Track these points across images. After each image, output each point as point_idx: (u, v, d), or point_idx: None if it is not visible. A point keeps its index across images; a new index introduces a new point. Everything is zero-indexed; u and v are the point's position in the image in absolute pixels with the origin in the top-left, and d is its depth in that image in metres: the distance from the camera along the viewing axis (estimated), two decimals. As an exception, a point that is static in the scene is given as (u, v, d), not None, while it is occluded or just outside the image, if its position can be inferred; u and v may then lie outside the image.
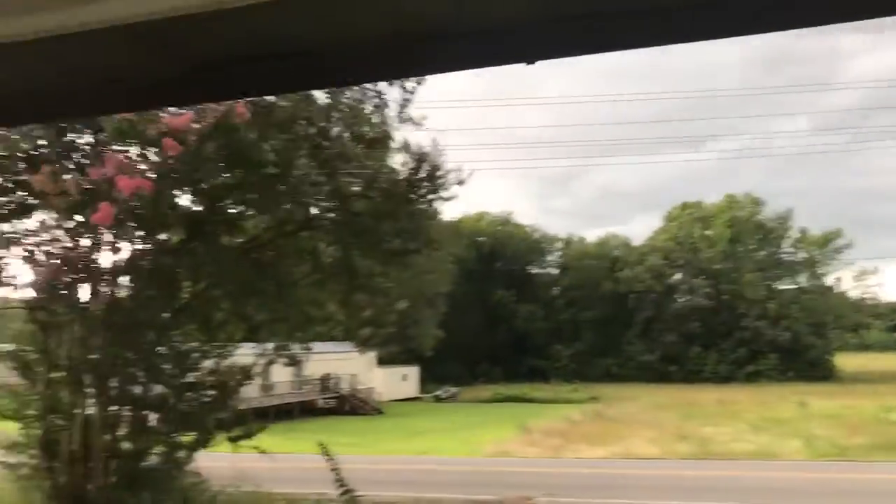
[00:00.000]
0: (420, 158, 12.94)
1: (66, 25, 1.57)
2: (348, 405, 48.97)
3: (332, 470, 13.43)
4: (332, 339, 59.58)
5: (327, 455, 13.51)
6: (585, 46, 1.35)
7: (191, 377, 13.22)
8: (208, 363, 13.68)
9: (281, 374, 46.33)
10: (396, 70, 1.76)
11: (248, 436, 12.97)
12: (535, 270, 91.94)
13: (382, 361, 60.51)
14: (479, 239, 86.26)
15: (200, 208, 12.69)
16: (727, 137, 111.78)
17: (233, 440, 12.95)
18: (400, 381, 60.49)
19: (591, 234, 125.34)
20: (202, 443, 12.92)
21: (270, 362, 15.29)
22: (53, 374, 12.26)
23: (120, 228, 11.31)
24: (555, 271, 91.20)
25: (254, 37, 1.65)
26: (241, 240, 13.40)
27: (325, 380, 49.31)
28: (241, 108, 10.56)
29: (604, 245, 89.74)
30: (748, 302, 78.31)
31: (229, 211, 13.02)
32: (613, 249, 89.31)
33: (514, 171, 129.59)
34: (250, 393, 41.50)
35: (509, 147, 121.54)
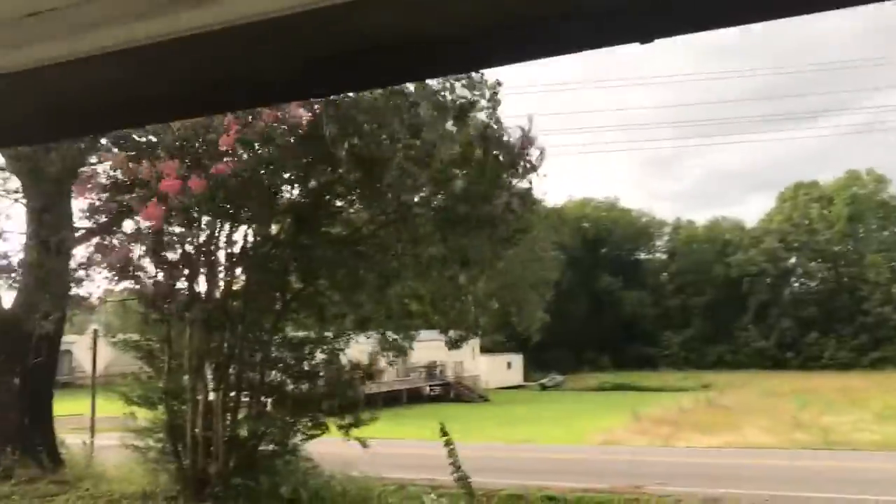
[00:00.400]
0: (508, 138, 12.81)
1: (178, 29, 1.61)
2: (453, 392, 49.39)
3: (450, 454, 13.57)
4: (435, 327, 60.32)
5: (446, 439, 13.65)
6: (704, 22, 1.28)
7: (304, 366, 13.64)
8: (320, 353, 14.08)
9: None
10: (506, 56, 1.73)
11: (358, 424, 13.26)
12: (642, 256, 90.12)
13: (486, 349, 60.71)
14: (584, 225, 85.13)
15: (306, 200, 13.03)
16: (842, 112, 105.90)
17: (344, 428, 13.27)
18: (504, 369, 60.54)
19: (699, 218, 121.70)
20: (315, 429, 13.32)
21: (379, 352, 15.54)
22: (175, 362, 12.89)
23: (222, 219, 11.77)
24: (663, 256, 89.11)
25: (362, 30, 1.65)
26: (345, 232, 13.65)
27: (430, 367, 49.87)
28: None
29: (714, 228, 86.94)
30: (871, 285, 74.25)
31: (335, 203, 13.30)
32: (724, 233, 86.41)
33: (619, 155, 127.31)
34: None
35: (612, 130, 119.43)
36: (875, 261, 75.17)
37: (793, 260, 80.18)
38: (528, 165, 12.96)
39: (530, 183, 13.33)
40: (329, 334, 14.05)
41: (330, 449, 19.04)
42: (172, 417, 12.66)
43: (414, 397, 46.85)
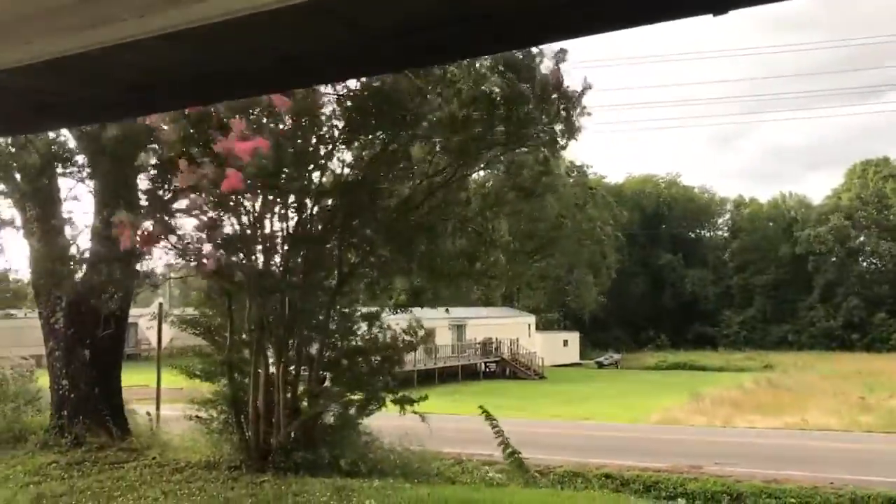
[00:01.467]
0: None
1: (248, 6, 1.60)
2: (509, 369, 49.42)
3: (496, 433, 13.64)
4: (491, 303, 60.37)
5: (489, 418, 13.73)
6: None
7: (359, 340, 13.78)
8: (375, 328, 14.19)
9: (444, 338, 47.53)
10: (578, 28, 1.68)
11: (412, 399, 13.37)
12: (703, 233, 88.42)
13: (543, 326, 60.52)
14: (644, 202, 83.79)
15: (355, 173, 13.09)
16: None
17: (399, 402, 13.40)
18: (561, 347, 60.28)
19: (760, 194, 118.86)
20: (372, 403, 13.48)
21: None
22: (236, 337, 13.16)
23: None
24: (725, 234, 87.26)
25: (432, 3, 1.62)
26: (394, 203, 13.61)
27: (486, 344, 49.95)
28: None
29: (778, 205, 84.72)
30: (945, 264, 71.62)
31: (388, 174, 13.30)
32: (790, 209, 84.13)
33: (678, 131, 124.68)
34: (416, 356, 42.94)
35: (671, 105, 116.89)
36: (949, 239, 72.43)
37: (861, 238, 77.65)
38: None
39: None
40: (380, 309, 14.17)
41: (388, 422, 19.30)
42: (234, 390, 12.95)
43: (470, 374, 47.04)
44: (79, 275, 15.30)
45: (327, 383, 13.63)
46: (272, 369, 13.06)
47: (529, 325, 58.66)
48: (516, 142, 13.34)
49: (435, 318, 48.96)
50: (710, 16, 1.53)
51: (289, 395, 13.09)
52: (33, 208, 15.12)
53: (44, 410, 15.64)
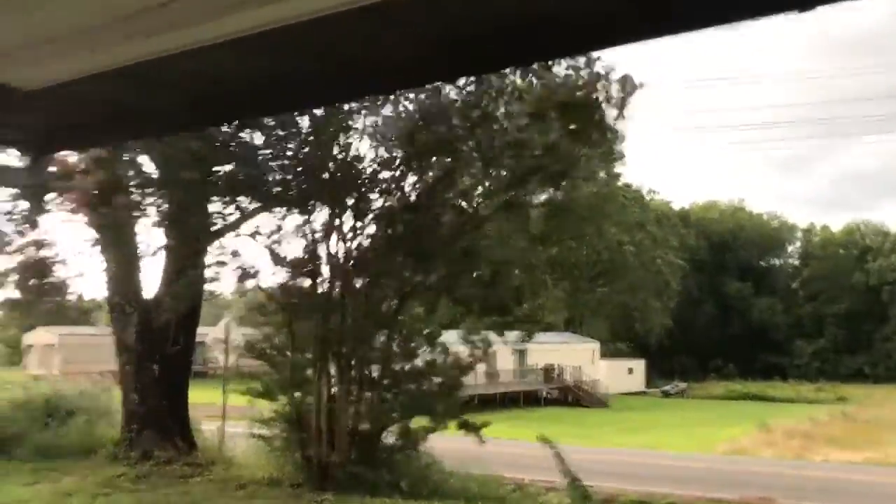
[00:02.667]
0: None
1: (300, 12, 1.60)
2: (572, 396, 48.72)
3: (558, 460, 13.42)
4: (553, 328, 59.85)
5: (550, 445, 13.53)
6: None
7: (419, 362, 13.77)
8: (435, 351, 14.16)
9: (506, 362, 47.14)
10: (650, 29, 1.63)
11: (476, 426, 13.28)
12: (772, 261, 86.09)
13: (607, 354, 59.56)
14: (710, 228, 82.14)
15: (415, 197, 13.17)
16: None
17: (463, 426, 13.32)
18: (625, 375, 59.19)
19: (831, 221, 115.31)
20: (432, 426, 13.42)
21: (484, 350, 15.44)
22: (299, 356, 13.30)
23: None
24: (795, 262, 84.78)
25: (491, 11, 1.59)
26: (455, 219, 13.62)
27: (548, 370, 49.39)
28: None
29: (852, 233, 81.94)
30: None
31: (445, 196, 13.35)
32: (864, 237, 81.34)
33: (744, 155, 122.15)
34: (477, 380, 42.71)
35: (737, 129, 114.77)
36: None
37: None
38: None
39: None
40: (439, 332, 14.16)
41: (448, 445, 19.19)
42: (296, 409, 13.06)
43: (531, 400, 46.53)
44: (149, 292, 15.75)
45: (389, 403, 13.64)
46: (334, 389, 13.15)
47: (593, 352, 57.77)
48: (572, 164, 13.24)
49: (495, 342, 48.91)
50: (796, 12, 1.46)
51: (349, 414, 13.15)
52: (108, 228, 15.61)
53: (116, 424, 16.04)
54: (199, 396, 18.64)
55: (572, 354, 52.84)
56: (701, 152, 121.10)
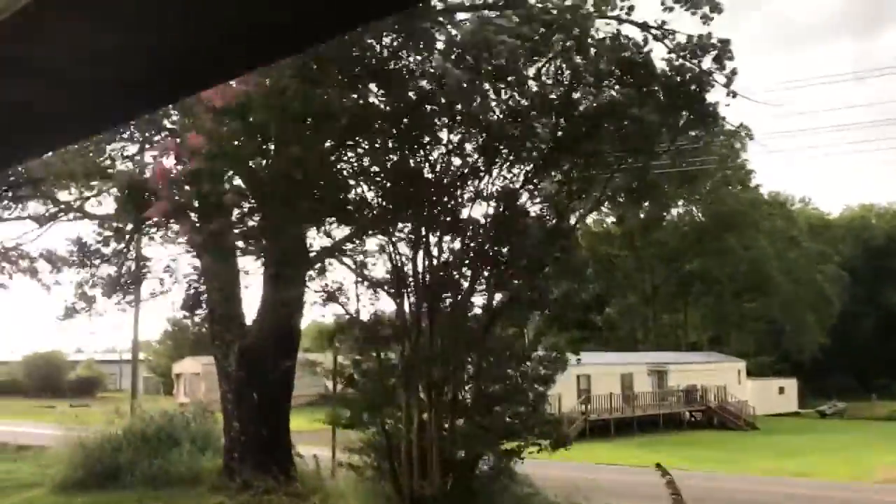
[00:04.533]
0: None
1: None
2: (716, 418, 45.94)
3: (671, 493, 12.16)
4: (696, 348, 56.97)
5: (664, 474, 12.28)
6: None
7: (513, 383, 12.94)
8: (532, 370, 13.30)
9: (643, 384, 45.12)
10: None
11: (559, 445, 12.33)
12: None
13: (756, 372, 55.98)
14: (867, 235, 76.09)
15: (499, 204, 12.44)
16: None
17: (553, 445, 12.42)
18: (775, 395, 55.34)
19: None
20: (522, 449, 12.60)
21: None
22: (388, 382, 12.78)
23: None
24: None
25: None
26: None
27: (690, 391, 46.82)
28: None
29: None
30: None
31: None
32: None
33: (863, 157, 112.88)
34: (613, 404, 41.03)
35: (850, 129, 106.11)
36: None
37: None
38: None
39: None
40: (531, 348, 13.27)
41: (562, 474, 18.10)
42: (386, 437, 12.53)
43: (673, 423, 44.27)
44: (249, 321, 15.79)
45: (482, 430, 12.85)
46: (424, 416, 12.52)
47: (739, 371, 54.46)
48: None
49: (631, 364, 46.94)
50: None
51: (442, 442, 12.47)
52: (211, 260, 15.78)
53: (220, 453, 16.13)
54: (302, 423, 18.45)
55: (716, 374, 50.02)
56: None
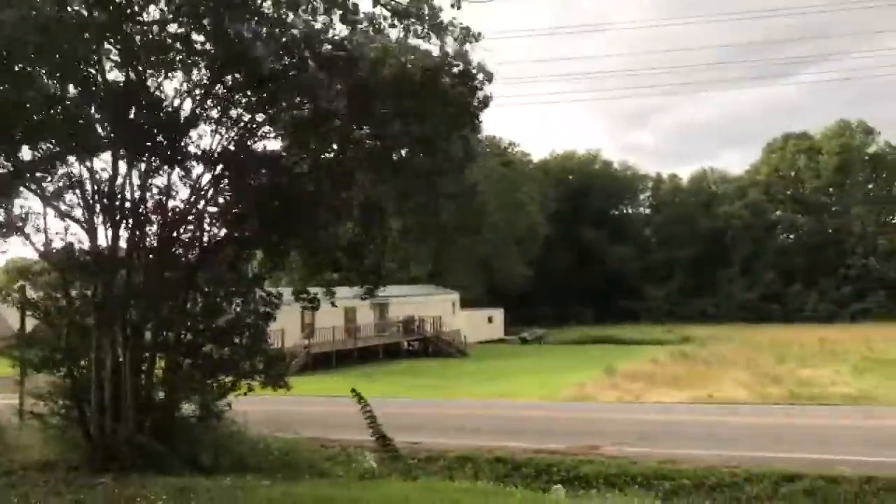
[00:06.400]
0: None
1: None
2: (432, 347, 48.64)
3: (366, 416, 12.65)
4: (417, 282, 59.39)
5: (360, 401, 12.74)
6: None
7: (222, 322, 12.55)
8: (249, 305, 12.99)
9: (365, 317, 46.31)
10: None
11: (279, 380, 12.27)
12: (626, 210, 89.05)
13: (467, 303, 59.83)
14: (567, 178, 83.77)
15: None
16: (826, 61, 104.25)
17: (267, 384, 12.30)
18: (485, 324, 59.83)
19: (679, 171, 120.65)
20: (235, 388, 12.34)
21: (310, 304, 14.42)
22: (78, 320, 11.79)
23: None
24: (647, 210, 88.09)
25: None
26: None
27: (407, 322, 49.06)
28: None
29: (699, 180, 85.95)
30: (856, 237, 73.63)
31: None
32: (710, 184, 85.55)
33: (589, 106, 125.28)
34: (334, 336, 41.71)
35: (582, 78, 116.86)
36: (860, 213, 74.45)
37: (778, 212, 79.36)
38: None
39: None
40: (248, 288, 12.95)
41: (274, 408, 18.12)
42: (74, 381, 11.59)
43: (392, 353, 46.07)
44: None
45: (186, 369, 12.36)
46: (120, 358, 11.73)
47: (454, 303, 57.95)
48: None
49: (356, 298, 47.76)
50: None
51: (140, 384, 11.81)
52: None
53: None
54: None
55: (434, 306, 52.73)
56: (543, 101, 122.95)
